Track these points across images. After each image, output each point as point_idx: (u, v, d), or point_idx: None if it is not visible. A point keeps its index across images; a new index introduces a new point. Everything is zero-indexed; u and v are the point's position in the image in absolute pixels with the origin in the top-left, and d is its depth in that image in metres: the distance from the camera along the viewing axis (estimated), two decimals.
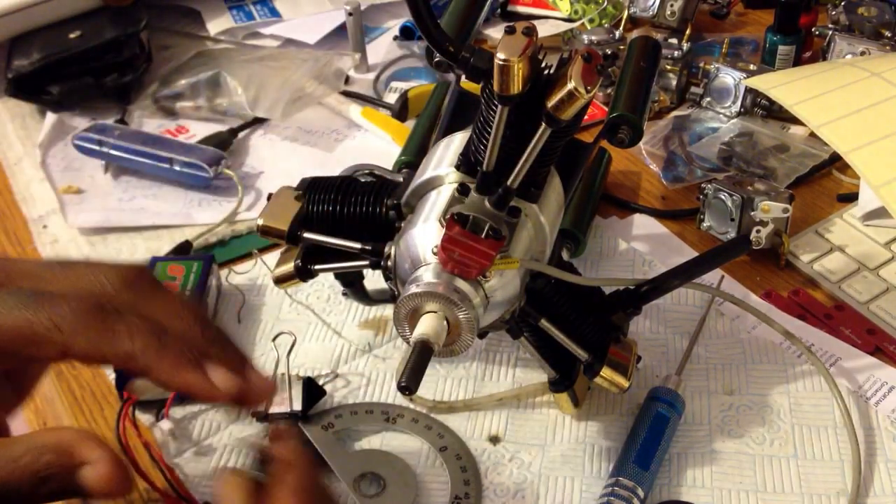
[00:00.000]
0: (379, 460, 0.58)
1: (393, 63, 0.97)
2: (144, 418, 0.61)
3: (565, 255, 0.68)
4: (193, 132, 0.89)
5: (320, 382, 0.62)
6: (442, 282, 0.48)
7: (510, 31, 0.47)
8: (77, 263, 0.45)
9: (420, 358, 0.47)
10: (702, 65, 0.89)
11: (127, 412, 0.59)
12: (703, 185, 0.73)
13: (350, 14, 0.95)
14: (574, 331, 0.56)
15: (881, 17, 0.91)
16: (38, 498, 0.40)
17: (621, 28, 0.95)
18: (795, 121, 0.74)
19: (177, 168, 0.80)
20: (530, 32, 0.47)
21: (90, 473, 0.41)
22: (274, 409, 0.59)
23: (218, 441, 0.60)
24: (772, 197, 0.70)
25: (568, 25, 0.98)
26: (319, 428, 0.59)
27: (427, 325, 0.48)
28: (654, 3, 0.95)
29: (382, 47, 1.00)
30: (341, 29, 0.99)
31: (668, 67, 0.88)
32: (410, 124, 0.84)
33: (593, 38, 0.89)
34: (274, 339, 0.63)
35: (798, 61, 0.91)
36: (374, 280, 0.65)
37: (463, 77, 0.53)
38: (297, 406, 0.59)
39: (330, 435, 0.59)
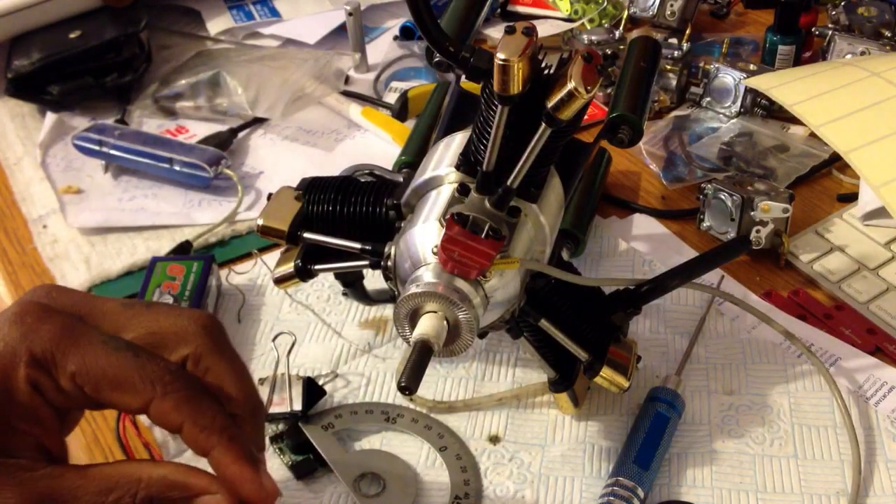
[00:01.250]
0: (379, 460, 0.58)
1: (393, 63, 0.97)
2: (144, 418, 0.60)
3: (565, 255, 0.68)
4: (193, 132, 0.89)
5: (320, 382, 0.62)
6: (442, 282, 0.48)
7: (510, 31, 0.47)
8: (158, 306, 0.46)
9: (420, 358, 0.47)
10: (702, 65, 0.89)
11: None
12: (703, 185, 0.73)
13: (350, 14, 0.95)
14: (574, 331, 0.56)
15: (881, 17, 0.91)
16: None
17: (621, 28, 0.95)
18: (795, 121, 0.74)
19: (177, 168, 0.80)
20: (530, 32, 0.47)
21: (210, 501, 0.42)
22: (274, 410, 0.59)
23: None
24: (772, 197, 0.70)
25: (568, 25, 0.98)
26: (319, 428, 0.59)
27: (427, 325, 0.48)
28: (654, 3, 0.95)
29: (382, 47, 1.00)
30: (341, 29, 0.99)
31: (668, 67, 0.88)
32: (410, 124, 0.85)
33: (593, 38, 0.89)
34: (274, 339, 0.63)
35: (798, 61, 0.91)
36: (374, 280, 0.65)
37: (463, 77, 0.53)
38: (298, 406, 0.59)
39: (330, 435, 0.59)
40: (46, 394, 0.42)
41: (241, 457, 0.43)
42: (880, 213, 0.73)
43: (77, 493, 0.40)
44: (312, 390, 0.60)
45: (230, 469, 0.43)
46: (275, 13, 1.03)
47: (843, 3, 0.92)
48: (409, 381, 0.46)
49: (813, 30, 0.93)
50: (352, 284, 0.65)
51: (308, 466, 0.58)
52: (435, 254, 0.50)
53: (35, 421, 0.42)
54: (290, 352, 0.61)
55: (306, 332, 0.67)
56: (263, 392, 0.60)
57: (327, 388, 0.62)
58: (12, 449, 0.41)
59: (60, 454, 0.44)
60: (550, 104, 0.47)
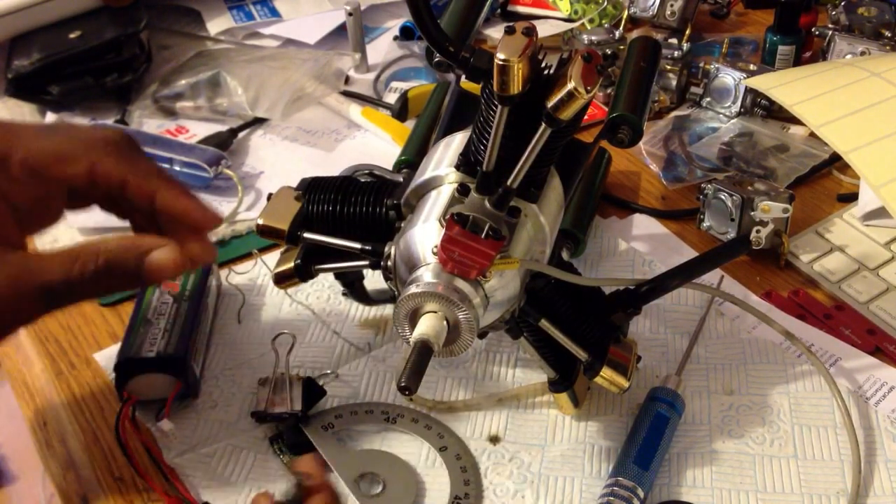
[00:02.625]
0: (379, 460, 0.58)
1: (393, 63, 0.97)
2: (144, 418, 0.61)
3: (565, 255, 0.68)
4: (193, 132, 0.89)
5: (320, 382, 0.62)
6: (442, 282, 0.48)
7: (510, 31, 0.47)
8: (78, 125, 0.54)
9: (420, 358, 0.47)
10: (702, 65, 0.89)
11: (127, 412, 0.59)
12: (703, 185, 0.73)
13: (350, 14, 0.95)
14: (574, 331, 0.56)
15: (881, 17, 0.91)
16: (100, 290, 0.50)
17: (621, 28, 0.95)
18: (795, 121, 0.74)
19: (177, 168, 0.80)
20: (530, 32, 0.47)
21: (159, 258, 0.49)
22: (274, 410, 0.59)
23: (217, 441, 0.60)
24: (772, 197, 0.70)
25: (568, 25, 0.98)
26: (319, 428, 0.59)
27: (427, 325, 0.48)
28: (654, 3, 0.95)
29: (382, 47, 1.00)
30: (341, 29, 0.99)
31: (668, 67, 0.88)
32: (410, 124, 0.85)
33: (593, 38, 0.89)
34: (274, 340, 0.63)
35: (798, 61, 0.91)
36: (374, 280, 0.65)
37: (463, 77, 0.53)
38: (298, 406, 0.59)
39: (330, 435, 0.59)
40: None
41: (183, 192, 0.51)
42: (880, 213, 0.73)
43: (46, 268, 0.47)
44: (312, 390, 0.60)
45: (178, 203, 0.51)
46: (275, 13, 1.03)
47: (843, 3, 0.92)
48: (409, 382, 0.46)
49: (813, 30, 0.93)
50: (352, 284, 0.65)
51: None
52: (435, 254, 0.50)
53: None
54: (289, 352, 0.61)
55: (306, 332, 0.67)
56: (263, 392, 0.60)
57: (327, 388, 0.62)
58: None
59: (21, 246, 0.50)
60: (550, 104, 0.47)
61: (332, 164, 0.83)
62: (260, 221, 0.58)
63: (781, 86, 0.67)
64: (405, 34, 1.00)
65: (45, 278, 0.48)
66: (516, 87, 0.47)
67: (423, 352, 0.47)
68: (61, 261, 0.48)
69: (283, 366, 0.61)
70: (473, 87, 0.54)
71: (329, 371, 0.64)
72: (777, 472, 0.57)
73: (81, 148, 0.50)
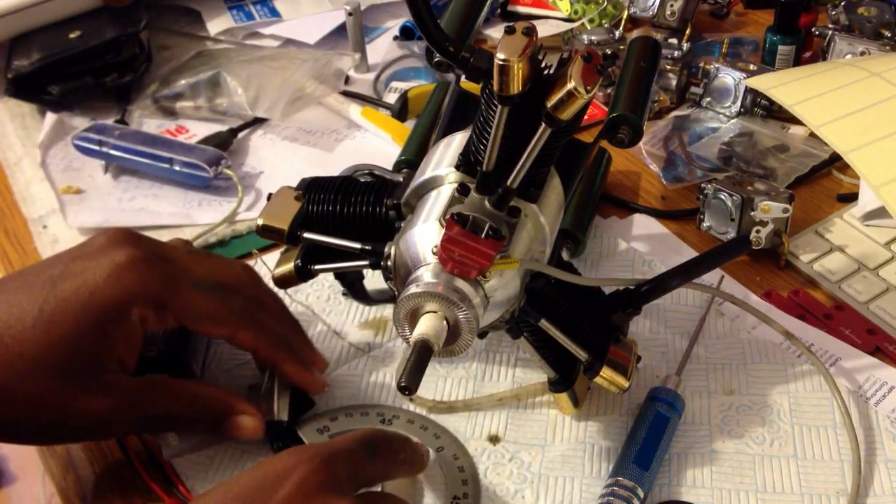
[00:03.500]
0: None
1: (393, 63, 0.97)
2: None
3: (565, 255, 0.68)
4: (193, 132, 0.89)
5: None
6: (442, 282, 0.48)
7: (510, 31, 0.47)
8: (210, 255, 0.62)
9: (420, 358, 0.47)
10: (702, 65, 0.89)
11: None
12: (703, 185, 0.73)
13: (350, 14, 0.95)
14: (574, 331, 0.56)
15: (881, 17, 0.91)
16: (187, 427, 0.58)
17: (621, 28, 0.95)
18: (795, 121, 0.74)
19: (177, 168, 0.80)
20: (530, 32, 0.47)
21: (244, 422, 0.57)
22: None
23: (217, 441, 0.59)
24: (772, 197, 0.70)
25: (568, 25, 0.98)
26: (315, 431, 0.59)
27: (427, 325, 0.48)
28: (654, 3, 0.95)
29: (382, 47, 1.00)
30: (341, 29, 0.99)
31: (668, 67, 0.88)
32: (410, 124, 0.85)
33: (593, 38, 0.89)
34: None
35: (798, 61, 0.91)
36: (374, 280, 0.65)
37: (463, 77, 0.53)
38: (284, 416, 0.58)
39: (325, 438, 0.59)
40: (147, 325, 0.55)
41: (300, 365, 0.59)
42: (880, 213, 0.73)
43: (154, 401, 0.55)
44: (300, 400, 0.60)
45: (295, 374, 0.59)
46: (275, 13, 1.03)
47: (843, 3, 0.92)
48: (409, 381, 0.46)
49: (813, 30, 0.93)
50: (352, 284, 0.65)
51: None
52: (435, 254, 0.50)
53: (127, 345, 0.54)
54: None
55: (306, 332, 0.67)
56: (252, 398, 0.59)
57: (326, 388, 0.62)
58: (104, 362, 0.53)
59: (131, 368, 0.55)
60: (550, 104, 0.47)
61: (332, 164, 0.82)
62: (260, 221, 0.58)
63: (781, 86, 0.67)
64: (405, 34, 1.00)
65: (149, 412, 0.55)
66: (516, 87, 0.47)
67: (423, 352, 0.47)
68: (170, 398, 0.56)
69: (269, 373, 0.60)
70: (473, 87, 0.54)
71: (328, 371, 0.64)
72: (777, 472, 0.57)
73: (226, 312, 0.57)
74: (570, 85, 0.46)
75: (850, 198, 0.77)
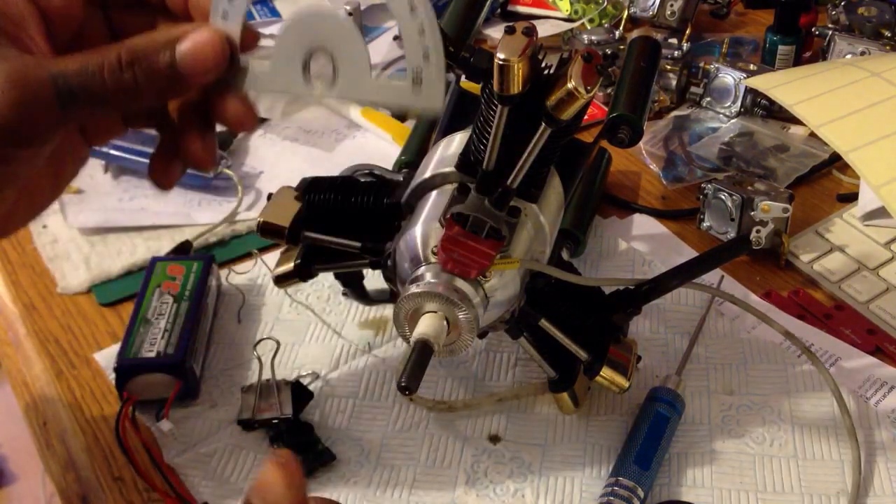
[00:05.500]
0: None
1: (393, 63, 0.97)
2: (144, 418, 0.61)
3: (565, 255, 0.68)
4: None
5: (304, 383, 0.61)
6: (442, 282, 0.48)
7: (510, 31, 0.47)
8: None
9: (420, 358, 0.47)
10: (702, 65, 0.89)
11: (127, 412, 0.59)
12: (703, 185, 0.73)
13: (350, 14, 0.95)
14: (574, 331, 0.56)
15: (881, 17, 0.91)
16: (132, 96, 0.43)
17: (621, 28, 0.95)
18: (795, 121, 0.74)
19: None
20: (530, 32, 0.47)
21: (196, 39, 0.43)
22: (263, 416, 0.59)
23: (217, 441, 0.60)
24: (772, 197, 0.70)
25: (568, 25, 0.98)
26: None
27: (427, 325, 0.48)
28: (654, 3, 0.95)
29: (382, 47, 1.00)
30: None
31: (668, 67, 0.88)
32: (410, 124, 0.85)
33: (593, 38, 0.89)
34: (255, 346, 0.62)
35: (798, 61, 0.91)
36: (374, 280, 0.65)
37: (463, 77, 0.53)
38: (288, 410, 0.59)
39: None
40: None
41: None
42: (880, 213, 0.73)
43: (59, 60, 0.43)
44: (301, 394, 0.60)
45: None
46: (275, 13, 1.03)
47: (843, 3, 0.92)
48: (409, 381, 0.46)
49: (813, 30, 0.93)
50: (352, 284, 0.65)
51: (308, 466, 0.58)
52: (435, 254, 0.50)
53: (19, 24, 0.43)
54: (274, 357, 0.61)
55: (306, 332, 0.67)
56: (248, 399, 0.60)
57: (326, 387, 0.62)
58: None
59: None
60: (550, 104, 0.47)
61: (332, 164, 0.82)
62: (260, 221, 0.58)
63: (781, 86, 0.66)
64: None
65: (58, 67, 0.42)
66: (516, 87, 0.47)
67: (423, 351, 0.47)
68: (78, 55, 0.43)
69: (267, 371, 0.60)
70: (473, 87, 0.54)
71: (310, 371, 0.64)
72: (777, 472, 0.57)
73: None
74: (570, 85, 0.46)
75: (850, 198, 0.77)
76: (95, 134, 0.50)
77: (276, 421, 0.59)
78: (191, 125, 0.47)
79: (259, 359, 0.60)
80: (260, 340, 0.61)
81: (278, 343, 0.62)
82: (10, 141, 0.42)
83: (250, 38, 0.45)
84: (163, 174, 0.49)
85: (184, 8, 0.46)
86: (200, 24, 0.44)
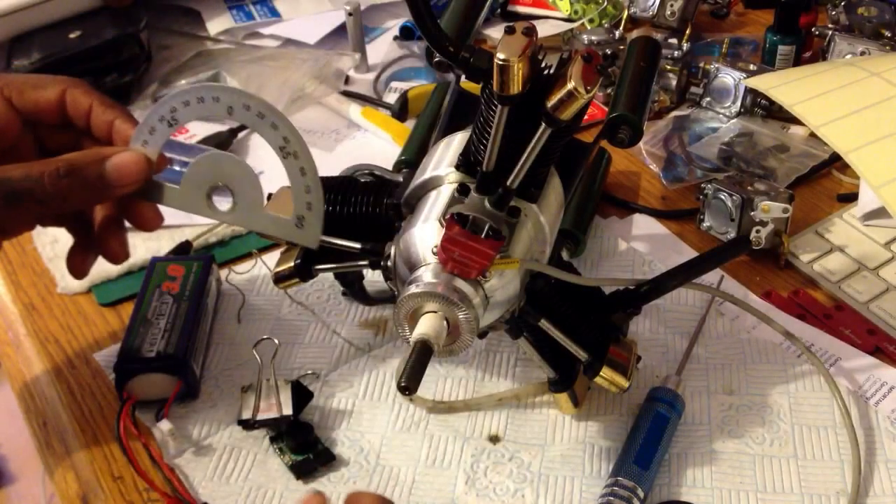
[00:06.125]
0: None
1: (393, 63, 0.97)
2: (144, 418, 0.61)
3: (565, 255, 0.68)
4: (193, 132, 0.88)
5: (303, 383, 0.61)
6: (442, 282, 0.48)
7: (510, 31, 0.47)
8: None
9: (420, 358, 0.47)
10: (702, 65, 0.89)
11: (127, 412, 0.59)
12: (703, 185, 0.73)
13: (350, 14, 0.95)
14: (574, 331, 0.56)
15: (881, 17, 0.91)
16: (66, 200, 0.52)
17: (621, 28, 0.95)
18: (795, 121, 0.74)
19: (176, 168, 0.80)
20: (530, 32, 0.48)
21: (121, 161, 0.53)
22: (262, 416, 0.59)
23: (217, 441, 0.60)
24: (772, 197, 0.70)
25: (568, 25, 0.98)
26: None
27: (427, 325, 0.48)
28: (654, 3, 0.95)
29: (382, 47, 1.00)
30: (341, 29, 0.99)
31: (668, 67, 0.88)
32: (410, 124, 0.85)
33: (593, 38, 0.89)
34: (255, 346, 0.62)
35: (798, 61, 0.91)
36: (374, 280, 0.65)
37: (463, 77, 0.53)
38: (288, 410, 0.59)
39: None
40: None
41: (136, 122, 0.55)
42: (880, 213, 0.73)
43: (7, 168, 0.51)
44: (301, 393, 0.60)
45: (132, 130, 0.54)
46: (275, 13, 1.03)
47: (843, 3, 0.92)
48: (409, 381, 0.46)
49: (813, 30, 0.93)
50: (351, 284, 0.65)
51: (308, 466, 0.58)
52: (435, 254, 0.50)
53: None
54: (273, 357, 0.61)
55: (306, 332, 0.67)
56: (248, 400, 0.60)
57: (326, 387, 0.62)
58: None
59: None
60: (550, 104, 0.47)
61: (332, 164, 0.82)
62: None
63: (781, 86, 0.66)
64: (405, 34, 1.00)
65: (4, 174, 0.51)
66: (516, 87, 0.47)
67: (423, 351, 0.47)
68: (19, 165, 0.52)
69: (267, 371, 0.60)
70: (473, 87, 0.54)
71: (310, 371, 0.64)
72: (777, 472, 0.57)
73: (53, 80, 0.56)
74: (570, 85, 0.46)
75: (850, 198, 0.77)
76: (13, 228, 0.58)
77: (277, 420, 0.59)
78: (109, 226, 0.58)
79: (259, 359, 0.60)
80: (260, 340, 0.61)
81: (278, 343, 0.62)
82: None
83: (162, 162, 0.55)
84: (79, 267, 0.60)
85: (107, 134, 0.56)
86: (124, 147, 0.54)
